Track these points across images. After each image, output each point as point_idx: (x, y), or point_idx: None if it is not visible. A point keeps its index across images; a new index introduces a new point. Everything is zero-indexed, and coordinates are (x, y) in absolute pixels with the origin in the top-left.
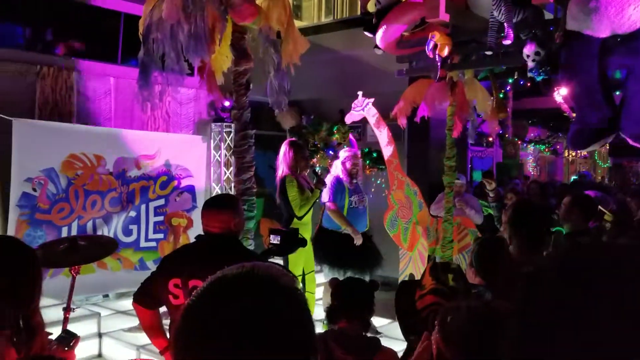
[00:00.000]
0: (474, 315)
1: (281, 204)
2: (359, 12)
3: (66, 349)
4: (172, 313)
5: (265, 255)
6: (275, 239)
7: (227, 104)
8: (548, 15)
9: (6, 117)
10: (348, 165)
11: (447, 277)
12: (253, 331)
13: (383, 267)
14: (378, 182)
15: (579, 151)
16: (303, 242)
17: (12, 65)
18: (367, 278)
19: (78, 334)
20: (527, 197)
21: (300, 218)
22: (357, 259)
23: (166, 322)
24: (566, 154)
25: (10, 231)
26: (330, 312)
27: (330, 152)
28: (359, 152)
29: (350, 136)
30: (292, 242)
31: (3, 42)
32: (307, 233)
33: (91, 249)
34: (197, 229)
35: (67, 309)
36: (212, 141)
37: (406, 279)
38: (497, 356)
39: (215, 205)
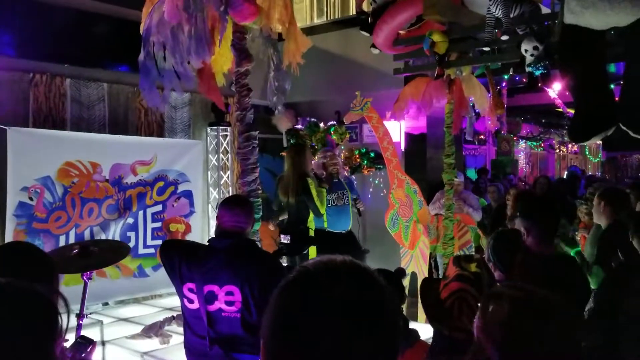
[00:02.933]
0: (519, 306)
1: (297, 205)
2: (351, 12)
3: (83, 355)
4: (187, 316)
5: (276, 255)
6: (285, 239)
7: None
8: (545, 11)
9: (0, 126)
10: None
11: (470, 265)
12: (369, 313)
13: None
14: (376, 182)
15: (573, 144)
16: (314, 241)
17: (5, 74)
18: None
19: (94, 339)
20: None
21: (321, 215)
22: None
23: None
24: (557, 150)
25: (8, 241)
26: None
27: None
28: (336, 151)
29: (328, 137)
30: (303, 241)
31: None
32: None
33: (103, 254)
34: (195, 235)
35: (80, 315)
36: (208, 145)
37: (408, 276)
38: (545, 346)
39: (238, 204)
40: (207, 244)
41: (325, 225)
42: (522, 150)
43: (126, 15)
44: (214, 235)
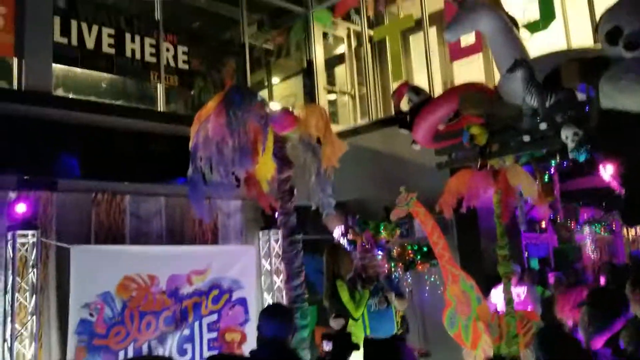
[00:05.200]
0: None
1: (333, 307)
2: (392, 112)
3: None
4: None
5: None
6: (327, 346)
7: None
8: (580, 96)
9: (65, 244)
10: (359, 265)
11: None
12: None
13: None
14: (432, 279)
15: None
16: (356, 347)
17: (71, 195)
18: None
19: None
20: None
21: (357, 319)
22: None
23: None
24: (625, 233)
25: (70, 359)
26: None
27: (380, 251)
28: (375, 250)
29: (367, 235)
30: (345, 347)
31: (63, 173)
32: (360, 332)
33: None
34: (251, 344)
35: None
36: (260, 250)
37: None
38: None
39: (277, 313)
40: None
41: (368, 332)
42: (587, 236)
43: (180, 132)
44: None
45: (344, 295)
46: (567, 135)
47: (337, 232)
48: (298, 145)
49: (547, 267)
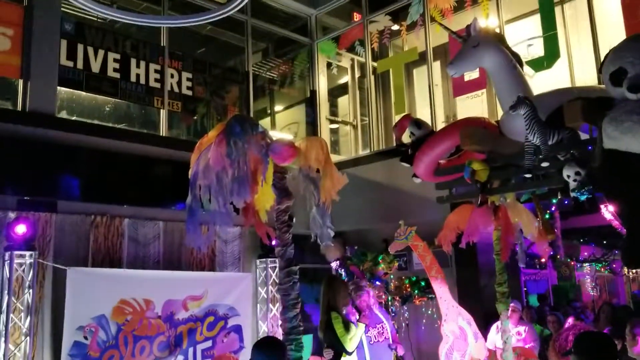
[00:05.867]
0: None
1: (327, 339)
2: (394, 144)
3: None
4: None
5: None
6: None
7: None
8: (584, 136)
9: (61, 266)
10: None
11: None
12: None
13: None
14: (429, 312)
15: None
16: None
17: (69, 217)
18: None
19: None
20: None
21: (350, 353)
22: None
23: None
24: (626, 272)
25: None
26: None
27: (377, 282)
28: (363, 282)
29: (352, 268)
30: None
31: (63, 195)
32: None
33: None
34: None
35: None
36: (257, 277)
37: None
38: None
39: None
40: None
41: None
42: (587, 274)
43: (182, 157)
44: None
45: (338, 328)
46: (569, 174)
47: (335, 264)
48: (298, 177)
49: (546, 306)
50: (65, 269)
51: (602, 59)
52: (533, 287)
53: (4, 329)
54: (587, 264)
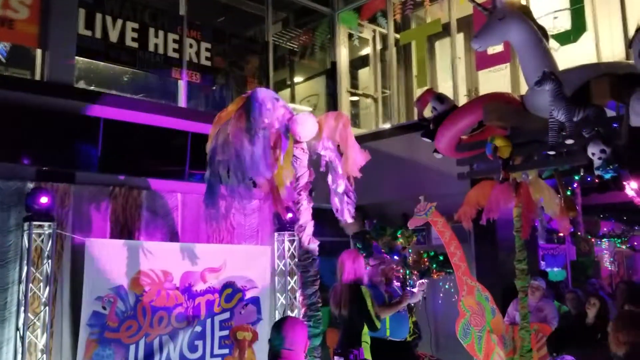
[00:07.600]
0: None
1: (351, 314)
2: (415, 117)
3: None
4: None
5: None
6: None
7: (290, 215)
8: (610, 114)
9: (80, 237)
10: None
11: None
12: None
13: None
14: (447, 286)
15: None
16: None
17: (88, 188)
18: None
19: None
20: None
21: (377, 330)
22: None
23: None
24: None
25: (80, 350)
26: None
27: (395, 256)
28: (387, 258)
29: (375, 244)
30: None
31: (81, 165)
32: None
33: None
34: (262, 342)
35: None
36: (275, 251)
37: None
38: None
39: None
40: None
41: (388, 333)
42: (605, 250)
43: (200, 130)
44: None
45: (369, 303)
46: (594, 152)
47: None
48: (319, 152)
49: (562, 283)
50: (84, 240)
51: (630, 33)
52: (551, 261)
53: (23, 298)
54: (605, 239)
